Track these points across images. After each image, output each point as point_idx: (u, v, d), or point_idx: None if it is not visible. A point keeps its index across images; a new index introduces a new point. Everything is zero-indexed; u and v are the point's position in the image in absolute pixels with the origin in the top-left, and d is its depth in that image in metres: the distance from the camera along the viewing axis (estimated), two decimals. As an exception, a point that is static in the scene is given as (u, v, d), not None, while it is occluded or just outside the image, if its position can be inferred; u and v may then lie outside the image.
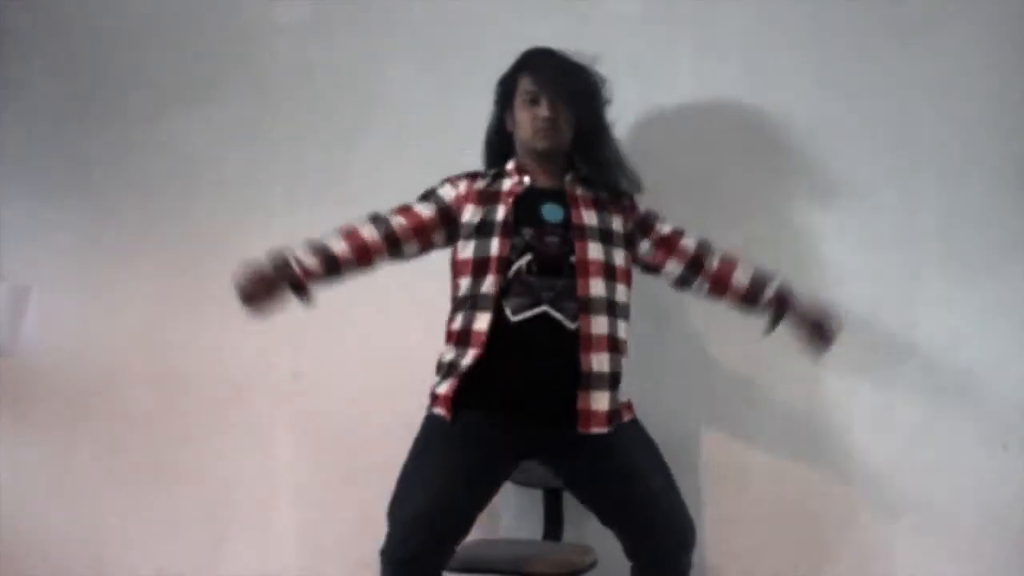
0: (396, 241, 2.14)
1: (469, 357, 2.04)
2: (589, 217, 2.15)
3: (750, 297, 2.19)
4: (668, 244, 2.22)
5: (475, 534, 2.38)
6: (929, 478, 2.44)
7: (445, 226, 2.17)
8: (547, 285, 2.06)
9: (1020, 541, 2.40)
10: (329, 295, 2.76)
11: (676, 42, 2.61)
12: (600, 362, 2.04)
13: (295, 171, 2.80)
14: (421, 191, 2.22)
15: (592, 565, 2.24)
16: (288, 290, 2.09)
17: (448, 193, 2.18)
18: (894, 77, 2.50)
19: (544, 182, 2.18)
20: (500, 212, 2.12)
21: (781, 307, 2.18)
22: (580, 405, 2.03)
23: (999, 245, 2.44)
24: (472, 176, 2.22)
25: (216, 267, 2.82)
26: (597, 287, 2.08)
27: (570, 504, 2.44)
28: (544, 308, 2.05)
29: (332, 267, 2.11)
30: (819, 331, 2.18)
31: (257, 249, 2.81)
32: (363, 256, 2.12)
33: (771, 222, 2.55)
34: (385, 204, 2.75)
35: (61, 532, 2.84)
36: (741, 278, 2.19)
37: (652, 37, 2.61)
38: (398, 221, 2.15)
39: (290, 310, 2.80)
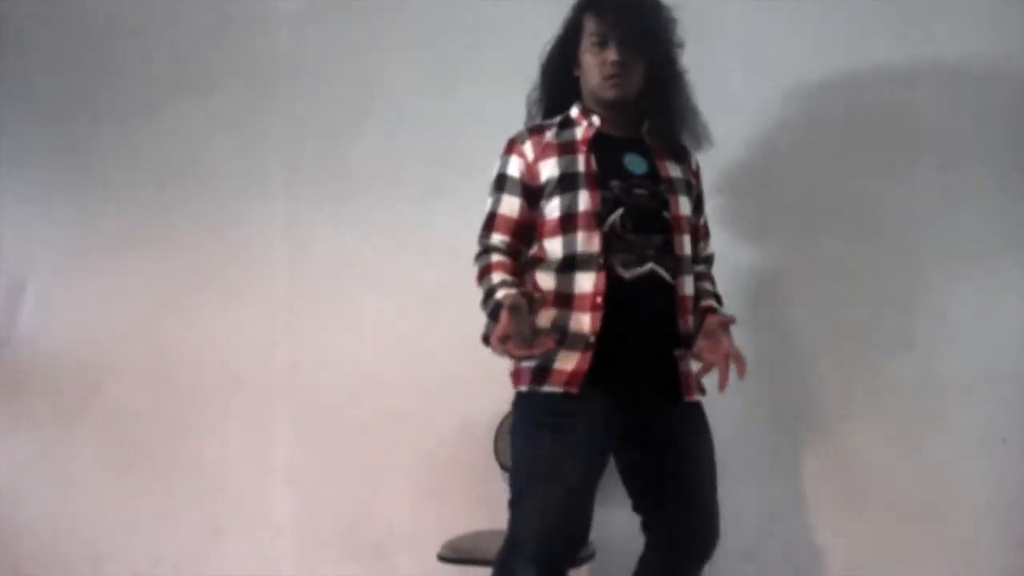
0: (518, 255, 1.95)
1: (584, 324, 1.85)
2: (673, 169, 1.99)
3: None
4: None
5: (474, 525, 2.39)
6: (928, 471, 2.43)
7: (534, 204, 1.96)
8: (645, 242, 1.89)
9: (1020, 533, 2.39)
10: (326, 286, 2.78)
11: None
12: (688, 324, 1.94)
13: (293, 161, 2.79)
14: (493, 181, 1.99)
15: (590, 557, 2.24)
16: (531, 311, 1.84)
17: (517, 167, 1.97)
18: (894, 67, 2.49)
19: (617, 130, 1.99)
20: (581, 163, 1.92)
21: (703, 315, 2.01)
22: (682, 369, 1.92)
23: (1000, 237, 2.44)
24: (537, 130, 2.01)
25: (214, 258, 2.83)
26: (686, 245, 1.95)
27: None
28: (652, 266, 1.88)
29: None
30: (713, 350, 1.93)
31: (255, 239, 2.84)
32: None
33: (769, 214, 2.54)
34: (384, 194, 2.76)
35: (58, 523, 2.83)
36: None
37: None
38: (502, 240, 1.94)
39: (285, 302, 2.82)
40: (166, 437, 2.78)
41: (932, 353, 2.44)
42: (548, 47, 2.06)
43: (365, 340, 2.70)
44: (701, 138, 2.02)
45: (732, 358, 1.86)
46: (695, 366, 1.94)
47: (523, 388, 1.92)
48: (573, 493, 1.82)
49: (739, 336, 2.49)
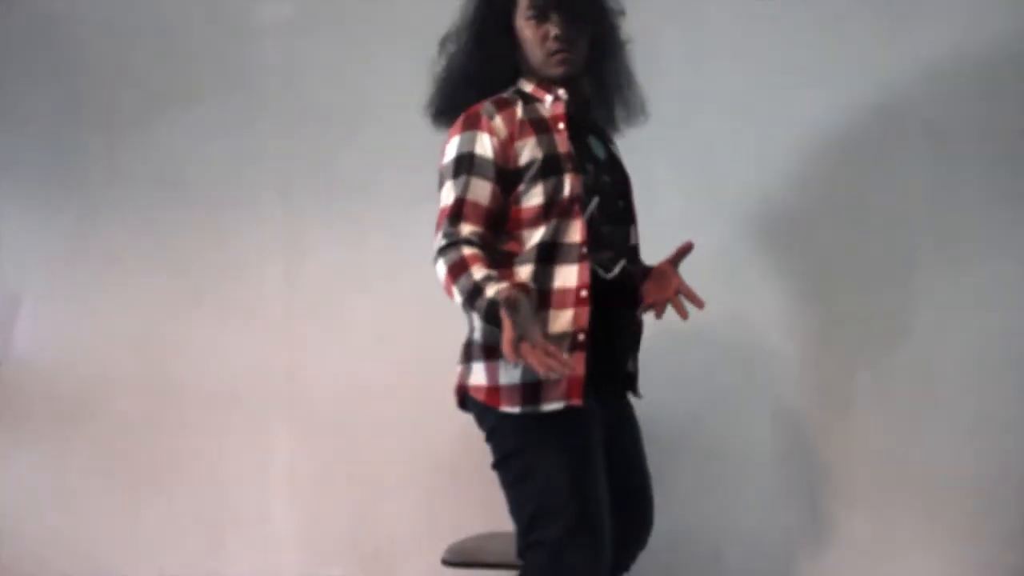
0: (489, 251, 1.72)
1: (565, 321, 1.67)
2: (618, 152, 1.92)
3: None
4: None
5: (475, 528, 2.40)
6: (927, 466, 2.46)
7: (507, 190, 1.75)
8: (616, 236, 1.79)
9: (1019, 528, 2.41)
10: (322, 296, 2.78)
11: (664, 33, 2.61)
12: (641, 322, 1.92)
13: (286, 170, 2.81)
14: (452, 163, 1.77)
15: None
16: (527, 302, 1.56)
17: (489, 146, 1.73)
18: (884, 62, 2.52)
19: (573, 110, 1.84)
20: (559, 143, 1.75)
21: None
22: (630, 368, 1.88)
23: (992, 230, 2.46)
24: (504, 104, 1.77)
25: (209, 269, 2.84)
26: (637, 235, 1.88)
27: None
28: (624, 263, 1.79)
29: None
30: None
31: (250, 249, 2.84)
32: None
33: (763, 210, 2.57)
34: (374, 204, 2.77)
35: (58, 537, 2.83)
36: None
37: (640, 30, 2.61)
38: (474, 232, 1.71)
39: (282, 312, 2.82)
40: (165, 450, 2.80)
41: (929, 348, 2.47)
42: (471, 9, 1.85)
43: (362, 349, 2.72)
44: (635, 110, 1.92)
45: (685, 294, 1.85)
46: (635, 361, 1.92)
47: (511, 409, 1.69)
48: (604, 522, 1.71)
49: (739, 329, 2.52)
